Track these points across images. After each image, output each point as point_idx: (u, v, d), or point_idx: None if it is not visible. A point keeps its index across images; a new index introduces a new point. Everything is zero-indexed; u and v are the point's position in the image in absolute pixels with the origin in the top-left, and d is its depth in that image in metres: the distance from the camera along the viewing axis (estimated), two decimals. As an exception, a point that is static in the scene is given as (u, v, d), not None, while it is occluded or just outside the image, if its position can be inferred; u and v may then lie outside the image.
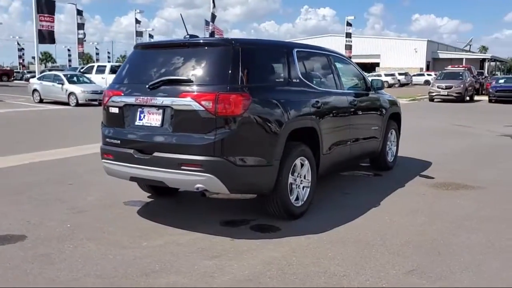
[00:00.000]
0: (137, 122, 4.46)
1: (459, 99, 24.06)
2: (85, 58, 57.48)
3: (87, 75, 22.98)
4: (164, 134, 4.26)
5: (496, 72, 74.61)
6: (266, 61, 4.74)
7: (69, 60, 67.06)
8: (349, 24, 50.60)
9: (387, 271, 3.57)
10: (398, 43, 71.96)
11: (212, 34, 35.74)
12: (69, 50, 68.95)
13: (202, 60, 4.32)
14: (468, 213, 5.04)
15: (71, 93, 19.97)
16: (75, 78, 21.26)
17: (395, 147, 7.40)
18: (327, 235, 4.34)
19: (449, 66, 36.28)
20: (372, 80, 6.64)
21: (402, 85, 51.17)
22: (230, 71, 4.13)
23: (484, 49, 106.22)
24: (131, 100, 4.46)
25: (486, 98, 25.97)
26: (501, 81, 26.15)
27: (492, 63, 75.10)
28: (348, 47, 50.08)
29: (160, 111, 4.30)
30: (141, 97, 4.36)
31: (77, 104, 19.60)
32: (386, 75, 51.85)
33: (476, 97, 27.53)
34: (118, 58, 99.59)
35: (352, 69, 6.42)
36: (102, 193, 5.69)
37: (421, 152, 8.65)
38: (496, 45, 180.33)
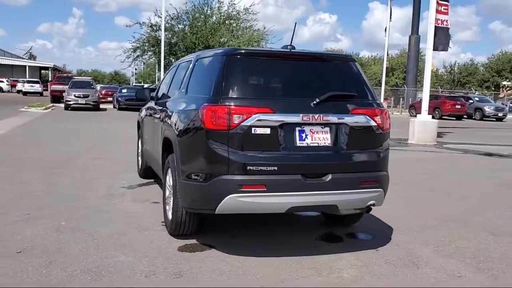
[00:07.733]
0: (299, 143, 3.81)
1: (96, 107, 24.71)
2: None
3: None
4: (340, 153, 3.95)
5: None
6: None
7: None
8: None
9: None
10: None
11: None
12: None
13: (346, 74, 4.27)
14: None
15: None
16: None
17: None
18: (420, 231, 4.87)
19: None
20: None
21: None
22: (369, 86, 4.28)
23: (32, 57, 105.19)
24: (293, 118, 3.79)
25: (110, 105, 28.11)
26: (124, 90, 28.29)
27: (54, 72, 75.58)
28: None
29: (327, 129, 3.91)
30: (309, 114, 3.80)
31: None
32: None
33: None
34: None
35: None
36: (107, 252, 3.85)
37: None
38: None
